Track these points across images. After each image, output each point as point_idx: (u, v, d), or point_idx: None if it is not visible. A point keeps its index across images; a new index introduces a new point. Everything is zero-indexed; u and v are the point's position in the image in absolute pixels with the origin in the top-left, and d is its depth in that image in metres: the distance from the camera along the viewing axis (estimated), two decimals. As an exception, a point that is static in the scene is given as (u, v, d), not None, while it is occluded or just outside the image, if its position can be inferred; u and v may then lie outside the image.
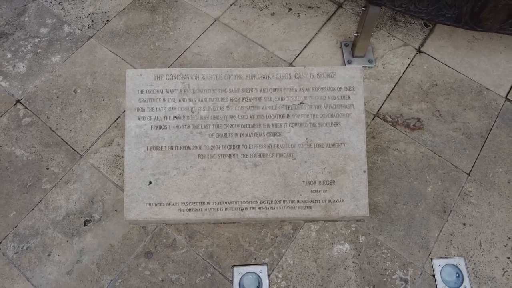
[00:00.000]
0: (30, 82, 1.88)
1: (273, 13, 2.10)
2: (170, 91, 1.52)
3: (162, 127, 1.50)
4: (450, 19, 1.73)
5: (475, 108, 1.83)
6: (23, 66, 1.93)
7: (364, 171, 1.49)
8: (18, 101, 1.84)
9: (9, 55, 1.95)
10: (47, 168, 1.68)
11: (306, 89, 1.53)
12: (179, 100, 1.51)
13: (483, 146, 1.75)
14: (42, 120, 1.79)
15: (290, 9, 2.12)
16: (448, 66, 1.94)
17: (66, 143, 1.74)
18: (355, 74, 1.54)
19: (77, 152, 1.72)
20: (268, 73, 1.54)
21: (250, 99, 1.52)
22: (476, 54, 1.98)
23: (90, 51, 1.97)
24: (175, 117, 1.50)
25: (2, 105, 1.82)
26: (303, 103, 1.52)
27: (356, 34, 1.86)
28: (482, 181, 1.67)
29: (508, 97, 1.86)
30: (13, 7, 2.10)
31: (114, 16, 2.08)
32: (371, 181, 1.66)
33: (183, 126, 1.50)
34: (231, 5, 2.12)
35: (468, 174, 1.68)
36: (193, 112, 1.51)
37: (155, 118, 1.50)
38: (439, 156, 1.72)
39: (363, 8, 1.75)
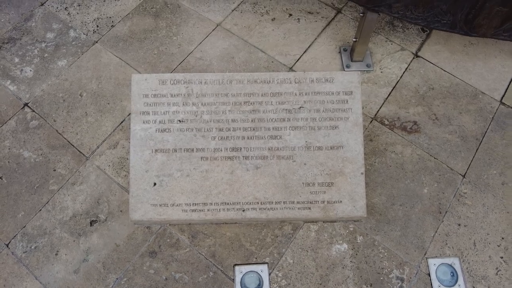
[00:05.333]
0: (37, 86, 1.93)
1: (274, 18, 2.15)
2: (174, 95, 1.57)
3: (167, 130, 1.55)
4: (445, 25, 1.77)
5: (470, 112, 1.88)
6: (30, 70, 1.98)
7: (362, 173, 1.53)
8: (26, 104, 1.89)
9: (16, 60, 2.01)
10: (54, 170, 1.73)
11: (306, 94, 1.58)
12: (183, 104, 1.56)
13: (478, 148, 1.79)
14: (49, 123, 1.84)
15: (290, 15, 2.17)
16: (444, 71, 1.99)
17: (73, 145, 1.79)
18: (353, 79, 1.58)
19: (83, 154, 1.77)
20: (268, 78, 1.59)
21: (251, 103, 1.57)
22: (472, 58, 2.03)
23: (96, 55, 2.02)
24: (179, 120, 1.55)
25: (10, 108, 1.88)
26: (303, 107, 1.57)
27: (354, 39, 1.91)
28: (476, 183, 1.71)
29: (503, 101, 1.91)
30: (20, 12, 2.15)
31: (119, 21, 2.13)
32: (369, 183, 1.70)
33: (186, 130, 1.55)
34: (232, 10, 2.17)
35: (463, 176, 1.73)
36: (196, 116, 1.56)
37: (160, 121, 1.55)
38: (435, 158, 1.76)
39: (361, 14, 1.80)
